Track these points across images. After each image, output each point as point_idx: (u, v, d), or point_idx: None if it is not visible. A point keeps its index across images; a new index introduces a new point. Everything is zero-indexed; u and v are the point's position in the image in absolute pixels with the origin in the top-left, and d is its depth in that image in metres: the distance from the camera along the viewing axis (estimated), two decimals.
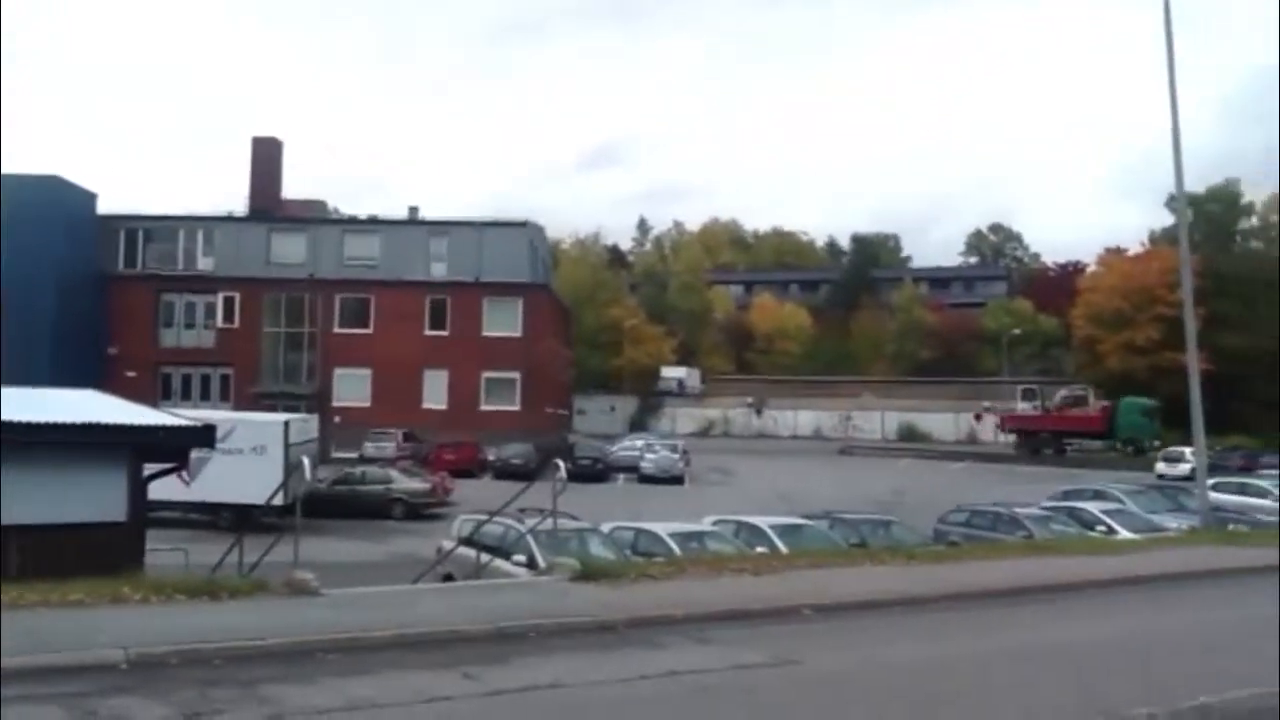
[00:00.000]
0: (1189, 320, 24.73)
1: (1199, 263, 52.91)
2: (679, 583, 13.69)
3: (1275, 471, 35.51)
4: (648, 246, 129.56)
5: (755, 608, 12.35)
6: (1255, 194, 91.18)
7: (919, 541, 21.94)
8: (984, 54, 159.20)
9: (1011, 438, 65.68)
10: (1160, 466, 47.64)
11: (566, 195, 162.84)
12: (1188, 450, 32.11)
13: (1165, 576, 16.45)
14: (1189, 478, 29.54)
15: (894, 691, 9.24)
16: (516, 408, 54.05)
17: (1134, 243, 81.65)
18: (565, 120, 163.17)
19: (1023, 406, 60.72)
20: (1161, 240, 76.07)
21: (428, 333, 54.73)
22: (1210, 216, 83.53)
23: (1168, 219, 78.28)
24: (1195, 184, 78.27)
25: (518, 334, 54.69)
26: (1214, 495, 26.22)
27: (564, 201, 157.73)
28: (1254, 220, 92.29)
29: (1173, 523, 24.91)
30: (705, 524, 21.34)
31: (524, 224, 58.41)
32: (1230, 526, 23.83)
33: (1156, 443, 48.02)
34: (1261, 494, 30.52)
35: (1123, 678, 9.75)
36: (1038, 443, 55.94)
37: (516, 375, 54.46)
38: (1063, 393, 62.86)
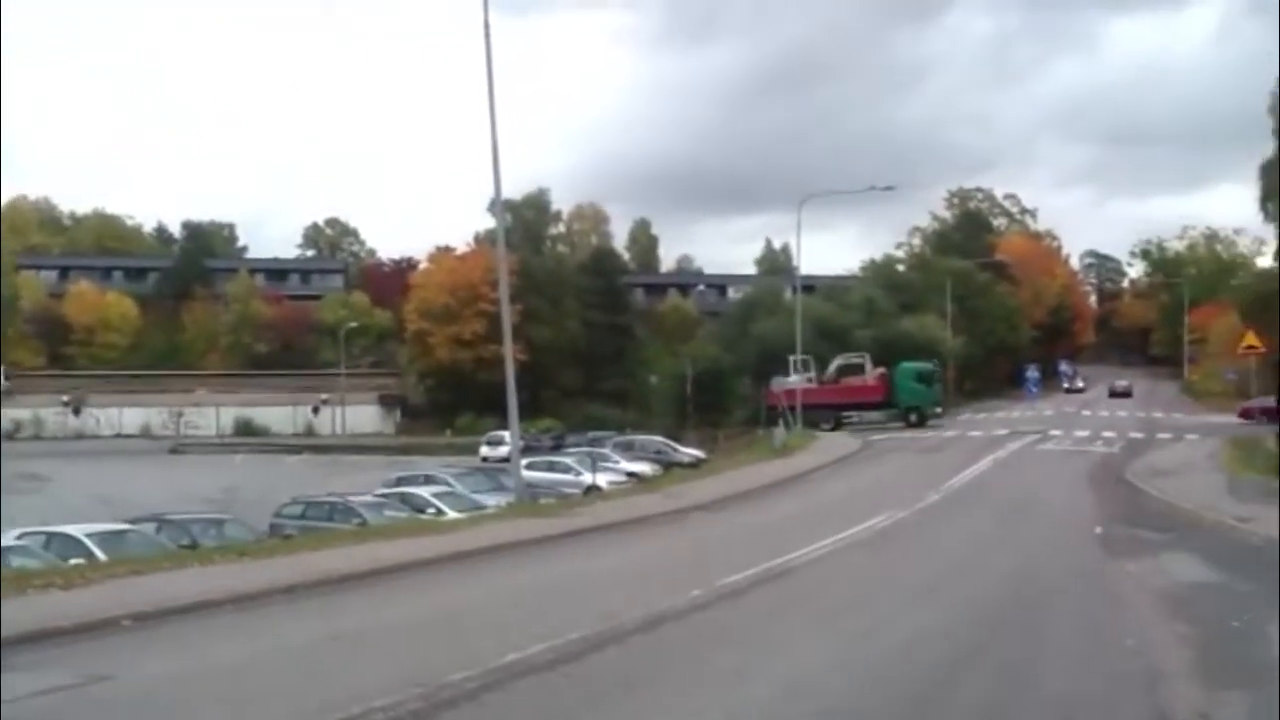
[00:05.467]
0: (505, 315, 27.14)
1: (515, 263, 58.36)
2: None
3: (578, 450, 40.43)
4: None
5: (65, 625, 11.22)
6: (562, 203, 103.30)
7: (254, 538, 21.68)
8: (328, 54, 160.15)
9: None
10: (484, 450, 51.56)
11: None
12: (506, 434, 35.14)
13: (485, 550, 17.90)
14: (508, 459, 32.33)
15: (213, 695, 8.95)
16: None
17: (461, 243, 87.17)
18: None
19: (794, 379, 53.10)
20: (485, 241, 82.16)
21: None
22: (525, 221, 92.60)
23: (490, 222, 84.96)
24: (513, 192, 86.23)
25: None
26: (528, 474, 29.10)
27: None
28: (561, 227, 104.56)
29: (493, 501, 27.16)
30: (9, 538, 19.28)
31: None
32: (541, 500, 26.64)
33: (938, 410, 43.96)
34: (566, 470, 34.61)
35: (441, 648, 10.41)
36: (816, 417, 50.28)
37: None
38: (837, 361, 57.29)
